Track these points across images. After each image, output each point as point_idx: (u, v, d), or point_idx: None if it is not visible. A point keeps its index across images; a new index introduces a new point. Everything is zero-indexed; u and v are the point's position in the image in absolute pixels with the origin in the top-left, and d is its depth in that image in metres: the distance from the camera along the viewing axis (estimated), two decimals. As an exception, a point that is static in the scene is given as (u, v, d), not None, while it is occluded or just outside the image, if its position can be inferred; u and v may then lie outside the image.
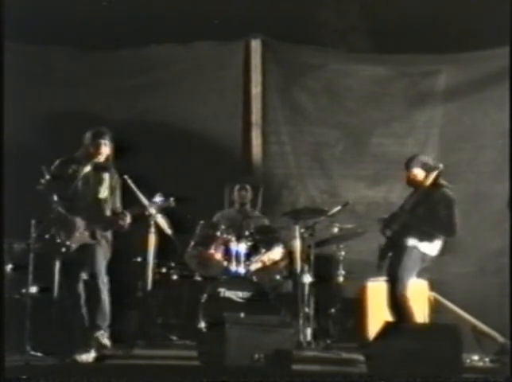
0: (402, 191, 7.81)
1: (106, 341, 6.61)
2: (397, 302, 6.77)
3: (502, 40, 7.14)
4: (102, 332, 6.62)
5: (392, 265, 6.87)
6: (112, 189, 6.71)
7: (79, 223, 6.55)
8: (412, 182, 7.01)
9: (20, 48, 7.74)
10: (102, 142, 6.65)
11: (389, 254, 6.94)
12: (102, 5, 7.83)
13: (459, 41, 7.92)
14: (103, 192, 6.67)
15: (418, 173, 6.95)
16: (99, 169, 6.68)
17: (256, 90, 8.41)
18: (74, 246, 6.54)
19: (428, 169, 6.93)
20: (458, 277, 7.78)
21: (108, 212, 6.69)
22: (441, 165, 6.91)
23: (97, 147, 6.65)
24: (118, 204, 6.75)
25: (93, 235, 6.59)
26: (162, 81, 8.28)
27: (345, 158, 8.47)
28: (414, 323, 6.73)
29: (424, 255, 6.83)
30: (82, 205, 6.63)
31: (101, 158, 6.67)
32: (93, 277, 6.61)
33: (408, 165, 7.00)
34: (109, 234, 6.69)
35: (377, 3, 8.21)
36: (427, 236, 6.82)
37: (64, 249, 6.53)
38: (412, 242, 6.81)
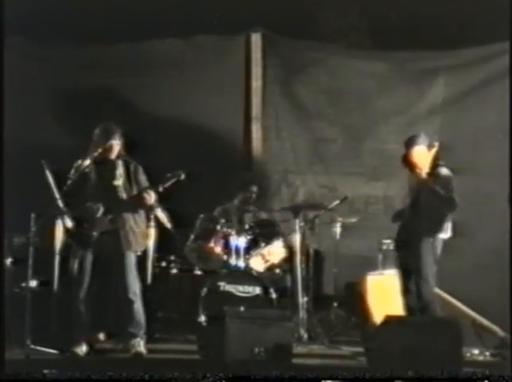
0: (401, 187, 7.84)
1: (142, 349, 6.58)
2: (426, 304, 6.69)
3: (503, 39, 7.16)
4: (138, 339, 6.60)
5: (411, 263, 6.76)
6: (130, 176, 6.69)
7: (96, 211, 6.56)
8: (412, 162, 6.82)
9: (19, 45, 7.72)
10: (114, 142, 6.65)
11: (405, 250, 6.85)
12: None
13: (459, 39, 7.92)
14: (118, 180, 6.66)
15: (422, 151, 6.80)
16: (111, 160, 6.69)
17: (256, 84, 8.40)
18: (95, 234, 6.55)
19: (429, 147, 6.79)
20: (458, 271, 7.77)
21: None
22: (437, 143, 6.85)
23: (108, 148, 6.63)
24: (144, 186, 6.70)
25: (113, 222, 6.59)
26: (162, 76, 8.27)
27: (344, 154, 8.47)
28: (414, 317, 6.74)
29: (440, 241, 6.74)
30: (97, 193, 6.62)
31: (112, 156, 6.68)
32: (123, 289, 6.59)
33: (412, 142, 6.84)
34: (136, 227, 6.68)
35: (377, 1, 8.21)
36: (437, 222, 6.72)
37: (87, 239, 6.55)
38: (425, 233, 6.70)
